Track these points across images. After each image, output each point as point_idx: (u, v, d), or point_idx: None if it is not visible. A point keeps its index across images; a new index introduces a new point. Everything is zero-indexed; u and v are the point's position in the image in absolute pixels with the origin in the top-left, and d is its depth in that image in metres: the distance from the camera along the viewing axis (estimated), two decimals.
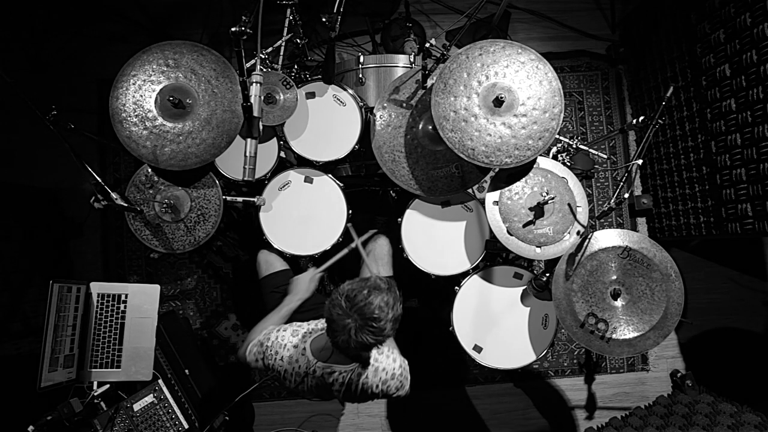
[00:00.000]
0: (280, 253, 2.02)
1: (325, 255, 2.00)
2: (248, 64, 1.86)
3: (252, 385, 2.13)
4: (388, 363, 1.51)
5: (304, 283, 1.85)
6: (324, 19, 1.71)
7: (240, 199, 1.97)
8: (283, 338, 1.54)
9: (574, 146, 2.10)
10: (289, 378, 1.51)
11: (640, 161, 1.65)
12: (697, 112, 2.31)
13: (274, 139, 2.06)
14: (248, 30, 1.29)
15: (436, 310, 2.12)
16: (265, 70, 2.04)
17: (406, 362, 1.61)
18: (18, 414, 1.83)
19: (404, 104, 1.93)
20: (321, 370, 1.46)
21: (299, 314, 1.80)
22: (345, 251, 1.91)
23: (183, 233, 1.91)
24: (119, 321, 2.04)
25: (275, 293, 1.93)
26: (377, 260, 1.99)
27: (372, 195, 2.43)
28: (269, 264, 2.00)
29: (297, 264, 2.65)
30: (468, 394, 2.68)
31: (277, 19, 2.16)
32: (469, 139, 1.71)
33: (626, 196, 1.69)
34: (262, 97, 1.90)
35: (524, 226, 1.85)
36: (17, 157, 2.73)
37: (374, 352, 1.51)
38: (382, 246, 2.02)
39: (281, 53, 2.22)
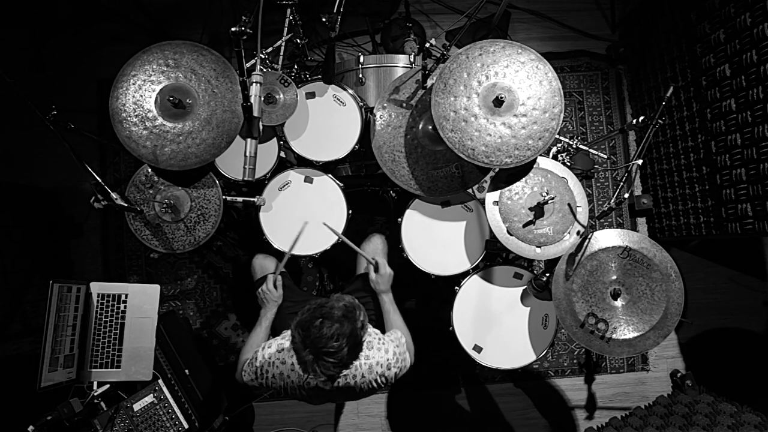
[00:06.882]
0: (276, 256, 2.01)
1: (326, 255, 2.00)
2: (248, 64, 1.85)
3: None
4: (380, 356, 1.52)
5: (270, 292, 1.78)
6: (324, 19, 1.71)
7: (240, 199, 1.97)
8: (270, 356, 1.54)
9: (574, 146, 2.10)
10: (287, 391, 1.53)
11: (640, 161, 1.65)
12: (697, 112, 2.31)
13: (274, 139, 2.06)
14: (248, 30, 1.30)
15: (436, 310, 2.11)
16: (265, 70, 2.04)
17: (402, 337, 1.61)
18: (18, 414, 1.83)
19: (404, 104, 1.93)
20: (314, 381, 1.47)
21: (286, 320, 1.78)
22: (289, 253, 1.82)
23: (183, 233, 1.91)
24: (119, 321, 2.04)
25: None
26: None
27: (372, 195, 2.43)
28: (264, 268, 2.00)
29: (297, 264, 2.66)
30: (468, 394, 2.68)
31: (277, 19, 2.16)
32: (469, 139, 1.71)
33: (626, 196, 1.69)
34: (262, 97, 1.90)
35: (524, 226, 1.85)
36: (17, 157, 2.73)
37: (364, 350, 1.49)
38: (376, 243, 2.01)
39: (281, 53, 2.22)
